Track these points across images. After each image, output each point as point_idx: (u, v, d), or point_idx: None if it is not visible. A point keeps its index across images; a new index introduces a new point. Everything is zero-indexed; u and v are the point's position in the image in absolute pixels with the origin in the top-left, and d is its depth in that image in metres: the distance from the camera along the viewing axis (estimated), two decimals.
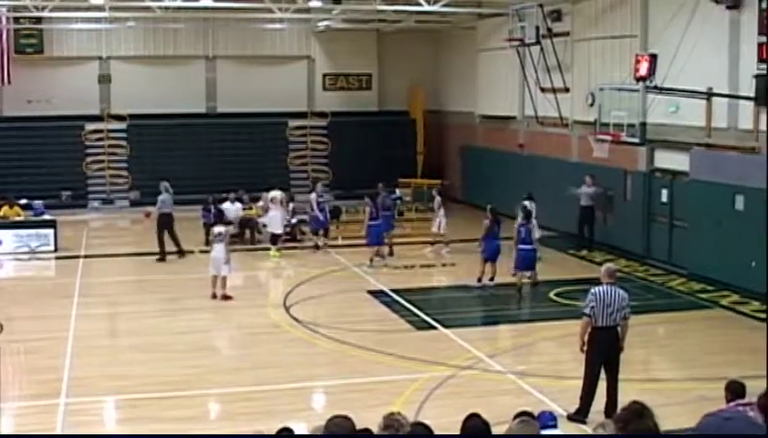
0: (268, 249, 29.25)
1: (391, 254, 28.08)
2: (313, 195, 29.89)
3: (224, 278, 23.10)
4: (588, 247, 28.75)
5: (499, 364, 17.42)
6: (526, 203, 26.20)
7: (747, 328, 20.20)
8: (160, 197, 28.86)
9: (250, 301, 23.10)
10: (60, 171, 38.39)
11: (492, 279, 24.29)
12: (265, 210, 30.25)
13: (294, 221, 31.08)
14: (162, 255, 28.09)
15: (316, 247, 29.57)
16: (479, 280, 24.35)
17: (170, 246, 28.27)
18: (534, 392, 15.63)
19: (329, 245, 29.52)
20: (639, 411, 5.93)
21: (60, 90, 38.74)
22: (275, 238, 29.31)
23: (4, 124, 38.47)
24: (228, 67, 41.10)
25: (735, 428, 4.47)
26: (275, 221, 29.32)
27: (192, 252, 28.62)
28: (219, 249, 23.04)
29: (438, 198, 29.85)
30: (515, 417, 7.48)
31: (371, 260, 27.10)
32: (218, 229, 23.51)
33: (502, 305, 23.32)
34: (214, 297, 22.98)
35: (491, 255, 24.27)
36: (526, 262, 23.86)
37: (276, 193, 29.95)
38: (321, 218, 29.74)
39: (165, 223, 28.44)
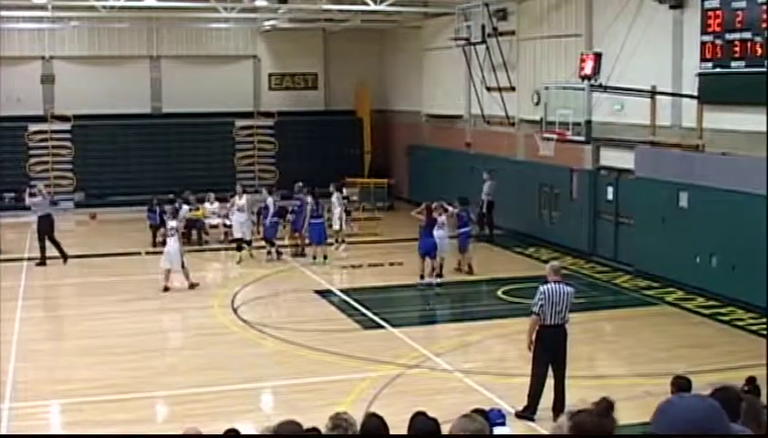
0: (217, 250, 29.18)
1: (303, 254, 28.19)
2: (269, 200, 28.49)
3: (185, 270, 23.91)
4: (489, 240, 29.20)
5: (446, 362, 17.44)
6: (335, 192, 28.75)
7: (692, 325, 20.41)
8: (34, 200, 28.44)
9: (197, 302, 22.92)
10: (3, 172, 37.88)
11: (439, 276, 24.30)
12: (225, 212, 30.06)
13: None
14: (43, 260, 27.46)
15: (278, 254, 28.22)
16: (421, 277, 24.35)
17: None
18: (482, 390, 15.66)
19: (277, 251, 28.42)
20: (606, 411, 5.96)
21: (2, 91, 38.18)
22: (245, 243, 28.10)
23: None
24: (173, 67, 40.77)
25: (687, 405, 4.26)
26: (247, 226, 28.15)
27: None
28: (172, 243, 23.75)
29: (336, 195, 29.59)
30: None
31: (314, 257, 27.46)
32: (171, 224, 24.16)
33: (449, 303, 23.38)
34: (166, 289, 23.45)
35: (428, 251, 24.28)
36: (465, 244, 25.47)
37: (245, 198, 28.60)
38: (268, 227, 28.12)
39: (43, 226, 27.73)
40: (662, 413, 3.68)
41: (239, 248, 27.90)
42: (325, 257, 27.31)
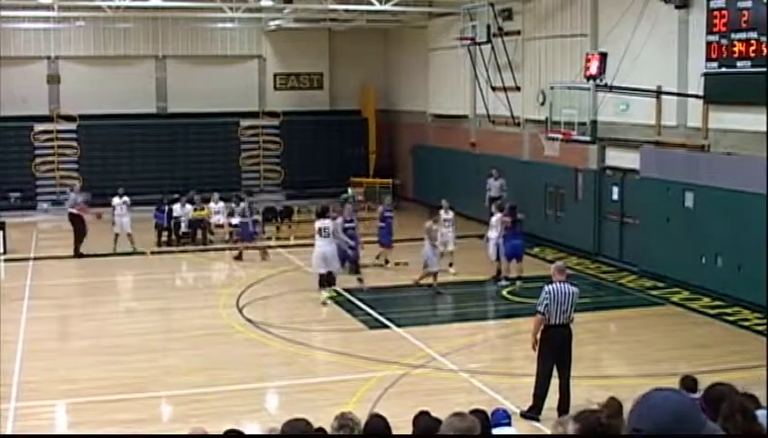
0: (222, 250, 29.22)
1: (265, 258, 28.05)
2: (339, 220, 23.86)
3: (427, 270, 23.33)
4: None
5: (451, 362, 17.43)
6: (449, 212, 26.83)
7: (697, 325, 20.38)
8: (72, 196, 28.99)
9: (202, 302, 22.92)
10: (9, 172, 37.95)
11: (500, 275, 24.36)
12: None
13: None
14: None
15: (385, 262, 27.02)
16: (511, 276, 24.30)
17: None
18: (487, 390, 15.66)
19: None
20: (617, 412, 5.99)
21: (8, 91, 38.21)
22: (330, 278, 22.79)
23: None
24: (178, 67, 40.79)
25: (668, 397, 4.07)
26: (334, 257, 22.79)
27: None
28: (324, 244, 22.27)
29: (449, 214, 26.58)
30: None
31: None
32: (323, 223, 22.26)
33: (454, 303, 23.34)
34: (330, 283, 22.40)
35: (515, 253, 24.31)
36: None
37: (328, 222, 22.66)
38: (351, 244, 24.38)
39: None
40: (642, 404, 3.76)
41: (329, 283, 22.75)
42: None
